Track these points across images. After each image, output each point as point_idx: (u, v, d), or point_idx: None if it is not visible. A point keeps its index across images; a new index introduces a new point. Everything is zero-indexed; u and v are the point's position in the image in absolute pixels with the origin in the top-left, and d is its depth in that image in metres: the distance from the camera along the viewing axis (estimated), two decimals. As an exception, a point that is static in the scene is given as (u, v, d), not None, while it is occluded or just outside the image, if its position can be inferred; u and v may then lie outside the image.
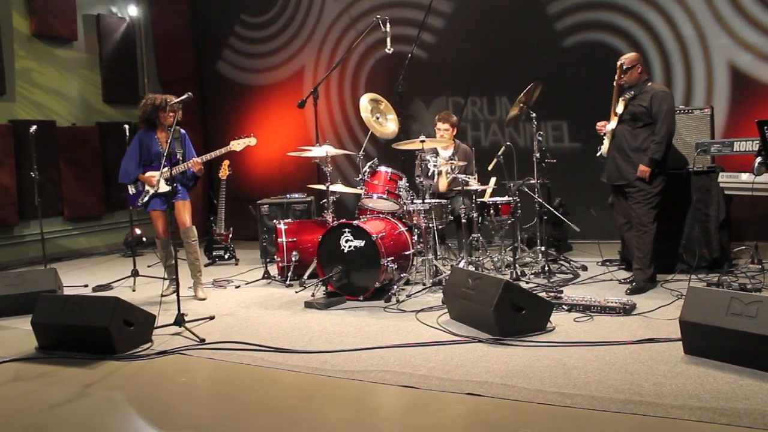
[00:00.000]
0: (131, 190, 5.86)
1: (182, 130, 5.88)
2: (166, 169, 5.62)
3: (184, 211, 5.80)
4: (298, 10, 9.39)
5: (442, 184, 6.19)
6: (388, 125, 6.28)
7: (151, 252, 8.68)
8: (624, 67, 5.18)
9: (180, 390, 3.75)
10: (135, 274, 6.63)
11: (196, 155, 5.83)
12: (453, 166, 5.99)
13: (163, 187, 5.71)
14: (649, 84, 5.23)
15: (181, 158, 5.76)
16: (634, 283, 5.23)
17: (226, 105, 9.94)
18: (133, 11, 9.83)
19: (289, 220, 6.71)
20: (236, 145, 5.89)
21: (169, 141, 5.22)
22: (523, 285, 5.19)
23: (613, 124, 5.26)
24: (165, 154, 5.50)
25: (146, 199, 5.79)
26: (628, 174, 5.18)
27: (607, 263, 6.21)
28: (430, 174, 5.72)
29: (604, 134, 5.38)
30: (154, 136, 5.80)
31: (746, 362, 3.42)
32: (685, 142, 5.87)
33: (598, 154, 5.48)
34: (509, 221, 6.08)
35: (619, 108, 5.19)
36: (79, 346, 4.30)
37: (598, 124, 5.45)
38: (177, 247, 5.60)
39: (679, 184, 5.75)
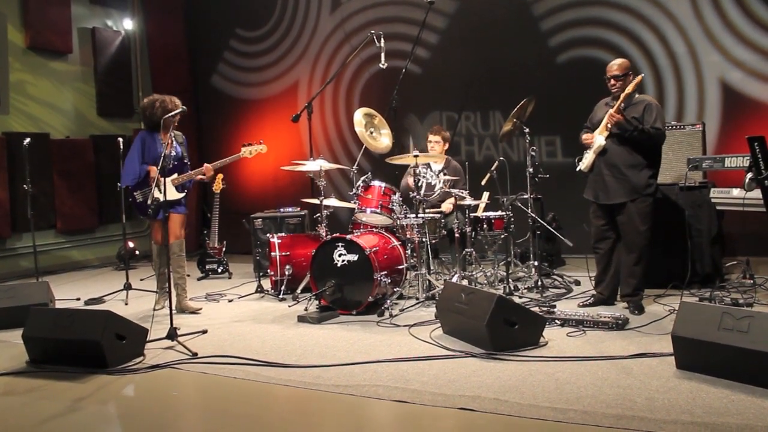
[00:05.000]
0: (139, 197, 5.70)
1: (182, 135, 5.86)
2: (174, 176, 5.62)
3: (180, 223, 5.77)
4: (293, 25, 9.44)
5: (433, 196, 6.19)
6: (382, 140, 6.30)
7: (144, 265, 8.67)
8: (615, 74, 5.00)
9: (172, 404, 3.73)
10: (128, 287, 6.60)
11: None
12: (444, 181, 6.01)
13: (173, 195, 5.64)
14: (637, 95, 5.08)
15: (188, 163, 5.75)
16: (636, 310, 4.98)
17: (221, 118, 9.95)
18: (128, 25, 9.86)
19: (283, 234, 6.71)
20: (246, 152, 5.85)
21: (164, 153, 5.22)
22: (516, 300, 5.20)
23: (601, 138, 5.03)
24: (171, 159, 5.51)
25: (154, 206, 5.35)
26: (619, 194, 5.00)
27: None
28: (419, 185, 5.75)
29: (588, 148, 5.16)
30: (157, 137, 5.69)
31: (738, 377, 3.43)
32: (677, 157, 5.91)
33: (578, 169, 5.28)
34: (502, 236, 6.10)
35: (605, 119, 5.00)
36: (71, 360, 4.27)
37: (584, 136, 5.23)
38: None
39: (670, 199, 5.79)
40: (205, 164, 5.73)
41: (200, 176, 5.74)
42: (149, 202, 5.42)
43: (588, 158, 5.16)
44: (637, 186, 4.97)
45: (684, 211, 5.58)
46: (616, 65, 5.07)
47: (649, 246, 5.04)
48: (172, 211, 5.71)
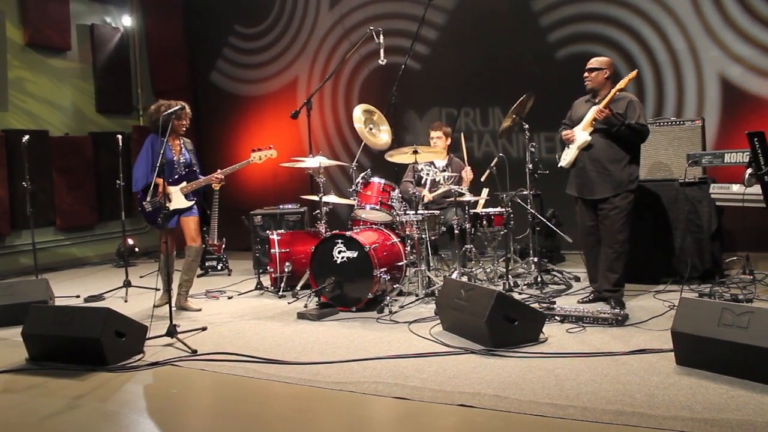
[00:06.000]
0: (148, 207, 5.61)
1: (191, 143, 5.83)
2: (183, 184, 5.59)
3: (195, 226, 5.70)
4: (291, 22, 9.43)
5: (427, 195, 6.17)
6: (381, 136, 6.29)
7: (144, 262, 8.68)
8: (590, 67, 5.07)
9: (171, 402, 3.73)
10: (127, 284, 6.61)
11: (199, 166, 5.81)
12: (445, 177, 6.00)
13: (182, 203, 5.60)
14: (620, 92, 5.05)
15: (198, 170, 5.72)
16: (617, 308, 4.85)
17: (220, 115, 9.94)
18: (127, 21, 9.85)
19: (282, 230, 6.70)
20: (256, 158, 5.74)
21: (161, 152, 5.19)
22: (516, 296, 5.20)
23: (586, 134, 5.04)
24: (181, 167, 5.49)
25: (163, 215, 5.34)
26: (603, 189, 4.99)
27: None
28: (423, 182, 5.74)
29: (569, 144, 5.16)
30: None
31: (738, 373, 3.42)
32: (677, 153, 5.90)
33: (559, 165, 5.29)
34: (502, 232, 6.10)
35: (589, 115, 5.01)
36: (70, 358, 4.27)
37: (564, 132, 5.22)
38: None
39: (670, 194, 5.79)
40: (219, 171, 5.68)
41: (215, 180, 5.67)
42: (148, 200, 5.46)
43: (571, 154, 5.17)
44: (621, 181, 4.98)
45: (684, 206, 5.57)
46: (595, 60, 5.13)
47: (629, 242, 5.03)
48: (185, 215, 5.67)
